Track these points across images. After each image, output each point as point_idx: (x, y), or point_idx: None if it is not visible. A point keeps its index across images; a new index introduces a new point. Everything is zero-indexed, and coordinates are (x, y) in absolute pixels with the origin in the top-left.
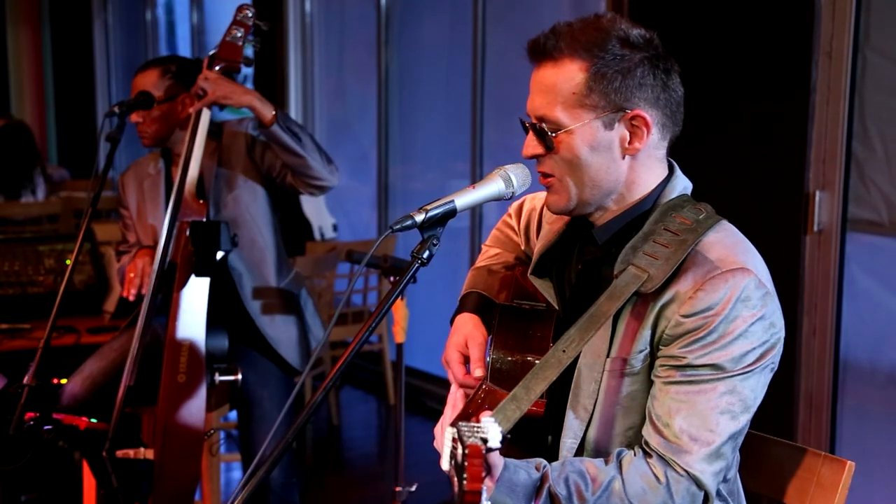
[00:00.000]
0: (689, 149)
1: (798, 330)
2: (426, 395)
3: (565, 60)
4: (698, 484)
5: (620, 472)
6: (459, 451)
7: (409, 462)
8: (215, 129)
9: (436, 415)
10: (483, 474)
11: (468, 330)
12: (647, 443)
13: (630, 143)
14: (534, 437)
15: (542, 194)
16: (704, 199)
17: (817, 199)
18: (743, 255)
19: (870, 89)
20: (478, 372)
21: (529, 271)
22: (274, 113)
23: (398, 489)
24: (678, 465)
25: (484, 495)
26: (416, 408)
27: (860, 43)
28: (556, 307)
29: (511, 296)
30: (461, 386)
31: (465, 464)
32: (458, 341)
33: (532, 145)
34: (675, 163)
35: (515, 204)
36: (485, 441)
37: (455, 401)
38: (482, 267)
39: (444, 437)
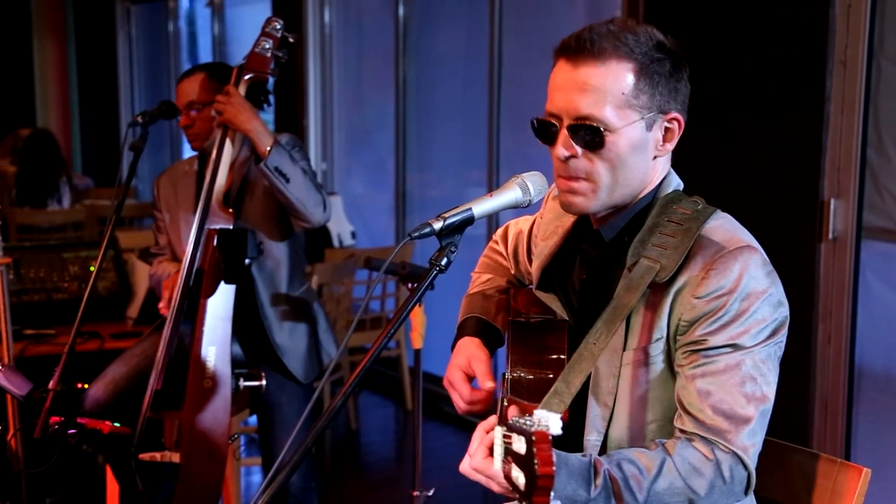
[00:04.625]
0: (706, 157)
1: (813, 337)
2: (443, 400)
3: (612, 61)
4: (743, 463)
5: (669, 454)
6: (521, 441)
7: (427, 466)
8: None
9: (453, 420)
10: (553, 458)
11: (471, 350)
12: (683, 431)
13: (662, 144)
14: (558, 444)
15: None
16: (720, 206)
17: (832, 207)
18: (746, 236)
19: (884, 98)
20: (488, 384)
21: (534, 286)
22: (270, 147)
23: (416, 493)
24: (721, 443)
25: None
26: (433, 413)
27: (875, 52)
28: (567, 318)
29: (508, 318)
30: (469, 404)
31: (535, 450)
32: (461, 362)
33: (569, 145)
34: None
35: (500, 230)
36: (546, 428)
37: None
38: (476, 293)
39: (494, 437)
